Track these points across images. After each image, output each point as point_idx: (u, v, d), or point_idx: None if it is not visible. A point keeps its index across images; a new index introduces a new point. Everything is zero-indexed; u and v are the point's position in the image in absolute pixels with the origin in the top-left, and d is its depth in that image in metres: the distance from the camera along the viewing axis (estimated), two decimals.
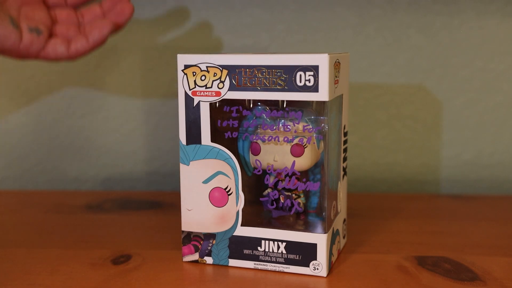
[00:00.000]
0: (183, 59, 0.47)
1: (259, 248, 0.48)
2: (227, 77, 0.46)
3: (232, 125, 0.48)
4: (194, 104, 0.48)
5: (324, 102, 0.46)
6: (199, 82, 0.47)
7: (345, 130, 0.52)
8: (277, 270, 0.48)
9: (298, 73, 0.44)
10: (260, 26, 0.73)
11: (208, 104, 0.47)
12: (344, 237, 0.54)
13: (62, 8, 0.57)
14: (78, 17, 0.57)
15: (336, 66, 0.46)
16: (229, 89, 0.46)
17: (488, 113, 0.73)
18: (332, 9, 0.72)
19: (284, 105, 0.48)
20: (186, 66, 0.47)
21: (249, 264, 0.48)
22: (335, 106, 0.49)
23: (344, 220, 0.54)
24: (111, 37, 0.75)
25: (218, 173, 0.48)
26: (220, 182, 0.48)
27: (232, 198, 0.48)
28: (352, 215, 0.60)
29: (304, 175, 0.49)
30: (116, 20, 0.57)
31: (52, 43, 0.54)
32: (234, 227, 0.48)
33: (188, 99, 0.48)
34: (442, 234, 0.57)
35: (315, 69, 0.44)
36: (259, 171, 0.48)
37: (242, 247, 0.48)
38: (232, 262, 0.49)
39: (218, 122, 0.48)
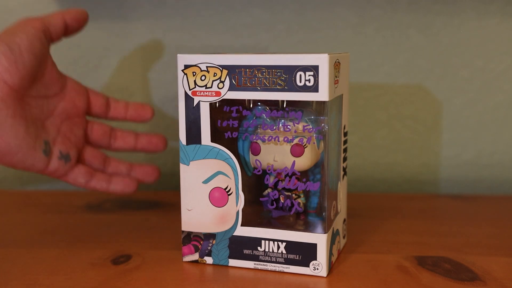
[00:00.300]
0: (183, 59, 0.47)
1: (259, 248, 0.48)
2: (227, 77, 0.46)
3: (232, 125, 0.48)
4: (194, 104, 0.48)
5: (324, 102, 0.46)
6: (199, 82, 0.47)
7: (345, 130, 0.52)
8: (277, 270, 0.48)
9: (298, 73, 0.44)
10: (260, 26, 0.73)
11: (208, 104, 0.47)
12: (344, 237, 0.54)
13: (98, 125, 0.59)
14: (110, 138, 0.60)
15: (336, 66, 0.46)
16: (229, 89, 0.46)
17: (488, 113, 0.73)
18: (332, 9, 0.72)
19: (284, 105, 0.48)
20: (186, 66, 0.47)
21: (249, 264, 0.48)
22: (335, 106, 0.49)
23: (344, 220, 0.54)
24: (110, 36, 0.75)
25: (218, 173, 0.48)
26: (220, 182, 0.48)
27: (232, 198, 0.48)
28: (352, 215, 0.60)
29: (304, 175, 0.49)
30: (141, 179, 0.61)
31: (75, 172, 0.56)
32: (234, 227, 0.48)
33: (188, 99, 0.48)
34: (442, 234, 0.57)
35: (315, 69, 0.44)
36: (259, 171, 0.48)
37: (242, 247, 0.48)
38: (232, 262, 0.49)
39: (218, 122, 0.48)
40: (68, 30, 0.55)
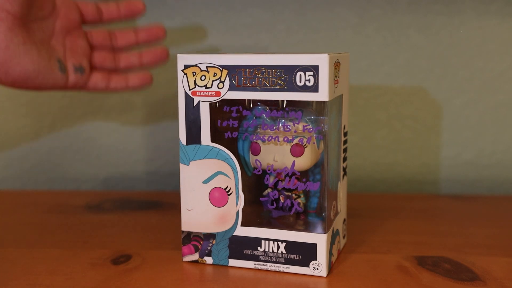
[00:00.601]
0: (183, 59, 0.47)
1: (259, 248, 0.48)
2: (227, 77, 0.46)
3: (232, 125, 0.48)
4: (194, 104, 0.48)
5: (324, 102, 0.46)
6: (199, 82, 0.47)
7: (345, 130, 0.52)
8: (277, 270, 0.48)
9: (298, 73, 0.44)
10: (260, 26, 0.73)
11: (208, 104, 0.47)
12: (344, 237, 0.54)
13: (96, 32, 0.61)
14: (111, 40, 0.62)
15: (336, 66, 0.46)
16: (229, 89, 0.46)
17: (488, 113, 0.73)
18: (332, 9, 0.72)
19: (284, 105, 0.48)
20: (186, 66, 0.47)
21: (249, 264, 0.48)
22: (335, 106, 0.49)
23: (344, 220, 0.54)
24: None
25: (218, 173, 0.48)
26: (220, 182, 0.48)
27: (232, 198, 0.48)
28: (352, 215, 0.60)
29: (304, 175, 0.49)
30: (154, 62, 0.63)
31: (93, 80, 0.59)
32: (234, 227, 0.48)
33: (188, 99, 0.48)
34: (442, 234, 0.57)
35: (315, 69, 0.44)
36: (259, 171, 0.48)
37: (242, 247, 0.48)
38: (232, 262, 0.49)
39: (218, 122, 0.48)
40: None
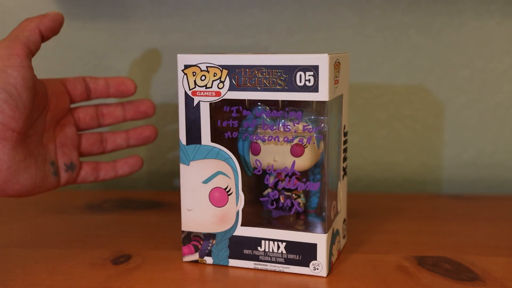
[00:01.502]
0: (183, 59, 0.47)
1: (259, 248, 0.48)
2: (227, 77, 0.46)
3: (232, 125, 0.48)
4: (194, 104, 0.48)
5: (324, 102, 0.46)
6: (199, 82, 0.47)
7: (345, 130, 0.52)
8: (277, 270, 0.48)
9: (298, 73, 0.44)
10: (260, 26, 0.73)
11: (208, 104, 0.47)
12: (344, 237, 0.54)
13: (83, 112, 0.58)
14: (99, 119, 0.59)
15: (336, 66, 0.46)
16: (229, 89, 0.46)
17: (488, 113, 0.73)
18: (332, 9, 0.72)
19: (284, 105, 0.48)
20: (186, 66, 0.47)
21: (249, 264, 0.48)
22: (335, 106, 0.49)
23: (344, 220, 0.54)
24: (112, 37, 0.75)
25: (218, 173, 0.48)
26: (220, 182, 0.48)
27: (232, 198, 0.48)
28: (352, 215, 0.60)
29: (304, 175, 0.49)
30: (141, 143, 0.61)
31: (83, 174, 0.57)
32: (234, 227, 0.48)
33: (188, 99, 0.48)
34: (442, 234, 0.57)
35: (315, 69, 0.44)
36: (259, 171, 0.48)
37: (242, 247, 0.48)
38: (232, 262, 0.49)
39: (218, 122, 0.48)
40: (45, 39, 0.55)
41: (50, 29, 0.54)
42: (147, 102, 0.60)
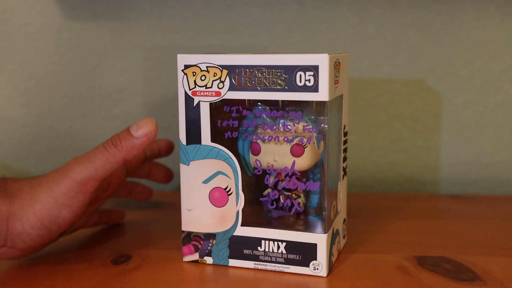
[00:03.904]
0: (183, 59, 0.47)
1: (259, 248, 0.48)
2: (227, 77, 0.46)
3: (232, 125, 0.48)
4: (194, 104, 0.48)
5: (324, 102, 0.46)
6: (199, 82, 0.47)
7: (345, 130, 0.52)
8: (277, 270, 0.48)
9: (298, 73, 0.44)
10: (260, 26, 0.73)
11: (208, 104, 0.47)
12: (344, 237, 0.54)
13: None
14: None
15: (336, 66, 0.46)
16: (229, 89, 0.46)
17: (488, 113, 0.73)
18: (332, 9, 0.72)
19: (284, 105, 0.48)
20: (186, 66, 0.47)
21: (249, 264, 0.48)
22: (335, 106, 0.49)
23: (344, 220, 0.54)
24: (113, 37, 0.75)
25: (218, 173, 0.48)
26: (220, 182, 0.48)
27: (232, 198, 0.48)
28: (352, 215, 0.60)
29: (304, 175, 0.49)
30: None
31: (76, 226, 0.56)
32: (234, 227, 0.48)
33: (188, 99, 0.48)
34: (442, 234, 0.57)
35: (315, 69, 0.44)
36: (259, 171, 0.48)
37: (242, 247, 0.48)
38: (232, 262, 0.49)
39: (218, 122, 0.48)
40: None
41: (136, 156, 0.52)
42: (169, 172, 0.63)
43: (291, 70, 0.45)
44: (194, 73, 0.47)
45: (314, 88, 0.44)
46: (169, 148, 0.62)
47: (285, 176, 0.48)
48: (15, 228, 0.45)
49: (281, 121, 0.48)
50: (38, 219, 0.45)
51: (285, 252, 0.47)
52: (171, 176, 0.64)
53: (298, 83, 0.45)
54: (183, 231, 0.50)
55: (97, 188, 0.48)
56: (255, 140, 0.48)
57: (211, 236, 0.49)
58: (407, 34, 0.72)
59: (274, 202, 0.49)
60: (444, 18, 0.72)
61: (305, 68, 0.44)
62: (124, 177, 0.56)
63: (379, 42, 0.72)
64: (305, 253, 0.47)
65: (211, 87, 0.47)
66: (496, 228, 0.59)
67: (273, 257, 0.48)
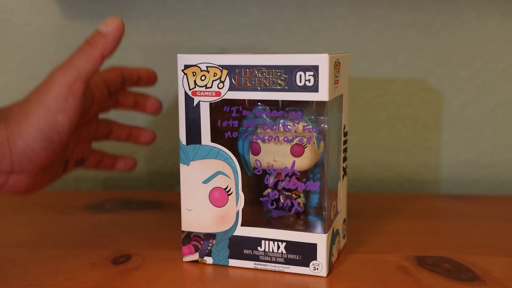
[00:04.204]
0: (183, 59, 0.47)
1: (259, 248, 0.48)
2: (227, 77, 0.46)
3: (232, 125, 0.48)
4: (194, 104, 0.48)
5: (324, 102, 0.46)
6: (199, 82, 0.47)
7: (345, 130, 0.52)
8: (277, 270, 0.48)
9: (298, 73, 0.44)
10: (260, 26, 0.73)
11: (208, 104, 0.47)
12: (344, 237, 0.54)
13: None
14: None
15: (336, 66, 0.46)
16: (229, 89, 0.46)
17: (488, 113, 0.73)
18: (332, 9, 0.72)
19: (284, 105, 0.48)
20: (186, 66, 0.47)
21: (249, 264, 0.48)
22: (335, 106, 0.49)
23: (344, 220, 0.54)
24: None
25: (218, 173, 0.48)
26: (220, 182, 0.48)
27: (232, 198, 0.48)
28: (352, 215, 0.60)
29: (304, 175, 0.49)
30: (140, 142, 0.62)
31: (85, 166, 0.58)
32: (234, 227, 0.48)
33: (188, 99, 0.48)
34: (442, 234, 0.57)
35: (315, 69, 0.44)
36: (259, 171, 0.48)
37: (242, 247, 0.48)
38: (232, 262, 0.49)
39: (218, 122, 0.48)
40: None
41: (113, 50, 0.51)
42: (156, 102, 0.62)
43: (291, 70, 0.45)
44: (194, 73, 0.47)
45: (314, 88, 0.44)
46: (150, 76, 0.60)
47: (285, 176, 0.48)
48: (17, 147, 0.46)
49: (281, 121, 0.48)
50: (37, 130, 0.46)
51: (285, 252, 0.47)
52: (159, 106, 0.62)
53: (298, 83, 0.45)
54: (183, 231, 0.50)
55: (84, 92, 0.48)
56: (255, 140, 0.48)
57: (211, 236, 0.49)
58: (407, 34, 0.72)
59: (274, 202, 0.49)
60: (444, 18, 0.72)
61: (305, 68, 0.44)
62: (105, 93, 0.56)
63: (379, 42, 0.72)
64: (305, 253, 0.47)
65: (211, 87, 0.47)
66: (496, 228, 0.59)
67: (273, 257, 0.48)
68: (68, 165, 0.54)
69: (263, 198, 0.50)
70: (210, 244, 0.49)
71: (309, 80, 0.44)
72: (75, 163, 0.56)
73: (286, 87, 0.45)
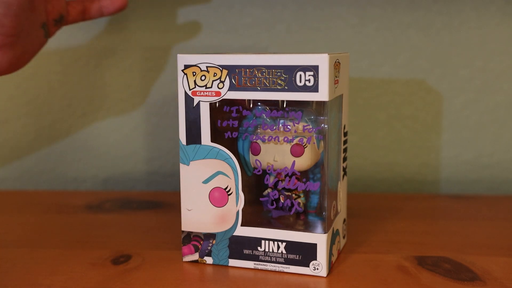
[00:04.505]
0: (183, 59, 0.47)
1: (259, 248, 0.48)
2: (227, 77, 0.46)
3: (232, 125, 0.48)
4: (194, 104, 0.48)
5: (324, 102, 0.46)
6: (199, 82, 0.47)
7: (345, 130, 0.52)
8: (277, 270, 0.48)
9: (298, 73, 0.44)
10: (260, 26, 0.73)
11: (208, 104, 0.47)
12: (344, 237, 0.54)
13: None
14: None
15: (336, 66, 0.46)
16: (229, 89, 0.46)
17: (488, 113, 0.73)
18: (332, 9, 0.72)
19: (284, 105, 0.48)
20: (186, 66, 0.47)
21: (249, 264, 0.48)
22: (335, 106, 0.49)
23: (344, 220, 0.54)
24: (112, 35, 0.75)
25: (218, 173, 0.48)
26: (220, 182, 0.48)
27: (232, 198, 0.48)
28: (352, 215, 0.60)
29: (304, 175, 0.49)
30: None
31: (70, 21, 0.57)
32: (234, 227, 0.48)
33: (188, 99, 0.48)
34: (442, 234, 0.57)
35: (315, 69, 0.44)
36: (259, 171, 0.48)
37: (242, 247, 0.48)
38: (232, 262, 0.49)
39: (218, 122, 0.48)
40: None
41: None
42: None
43: (291, 70, 0.45)
44: (194, 73, 0.47)
45: (314, 88, 0.44)
46: None
47: (285, 176, 0.49)
48: None
49: (281, 121, 0.48)
50: None
51: (285, 252, 0.47)
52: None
53: (298, 83, 0.45)
54: (183, 231, 0.50)
55: None
56: (255, 140, 0.48)
57: (211, 236, 0.49)
58: (407, 34, 0.72)
59: (274, 202, 0.49)
60: (444, 18, 0.72)
61: (305, 68, 0.44)
62: None
63: (379, 42, 0.72)
64: (305, 253, 0.47)
65: (211, 87, 0.47)
66: (496, 228, 0.59)
67: (273, 257, 0.48)
68: (48, 27, 0.53)
69: (263, 198, 0.50)
70: (210, 244, 0.49)
71: (309, 80, 0.44)
72: (55, 23, 0.54)
73: (286, 87, 0.45)
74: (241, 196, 0.48)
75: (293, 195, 0.49)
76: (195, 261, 0.50)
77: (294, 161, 0.47)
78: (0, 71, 0.49)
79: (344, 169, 0.53)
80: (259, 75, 0.45)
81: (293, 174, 0.48)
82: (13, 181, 0.78)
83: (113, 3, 0.59)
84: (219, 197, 0.48)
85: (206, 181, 0.48)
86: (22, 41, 0.49)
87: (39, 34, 0.52)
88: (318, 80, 0.44)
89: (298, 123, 0.47)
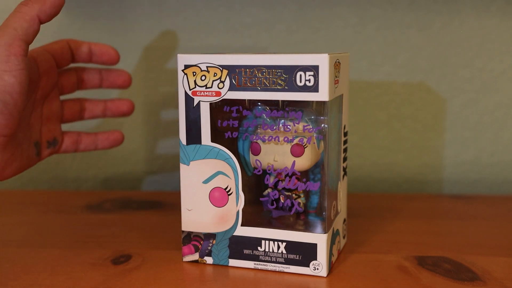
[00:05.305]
0: (183, 59, 0.47)
1: (259, 248, 0.48)
2: (227, 77, 0.46)
3: (232, 125, 0.48)
4: (194, 104, 0.48)
5: (324, 102, 0.46)
6: (199, 82, 0.47)
7: (345, 130, 0.52)
8: (277, 270, 0.48)
9: (298, 73, 0.44)
10: (260, 26, 0.73)
11: (208, 104, 0.47)
12: (344, 237, 0.54)
13: (68, 85, 0.58)
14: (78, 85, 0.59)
15: (336, 66, 0.46)
16: (229, 89, 0.46)
17: (488, 113, 0.73)
18: (332, 9, 0.72)
19: (284, 105, 0.48)
20: (186, 66, 0.47)
21: (249, 264, 0.48)
22: (335, 106, 0.49)
23: (344, 220, 0.54)
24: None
25: (218, 173, 0.48)
26: (220, 182, 0.48)
27: (232, 198, 0.48)
28: (352, 215, 0.60)
29: (304, 175, 0.49)
30: (118, 114, 0.61)
31: (63, 148, 0.57)
32: (234, 227, 0.48)
33: (188, 99, 0.48)
34: (442, 234, 0.57)
35: (315, 69, 0.44)
36: (259, 171, 0.48)
37: (242, 247, 0.48)
38: (232, 262, 0.49)
39: (218, 122, 0.48)
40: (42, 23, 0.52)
41: (51, 16, 0.50)
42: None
43: (291, 70, 0.45)
44: (194, 73, 0.47)
45: (314, 88, 0.44)
46: (107, 52, 0.58)
47: (285, 176, 0.49)
48: None
49: (281, 121, 0.48)
50: None
51: (285, 252, 0.47)
52: (127, 77, 0.60)
53: (298, 83, 0.45)
54: (183, 231, 0.50)
55: (25, 51, 0.47)
56: (255, 140, 0.48)
57: (211, 236, 0.49)
58: (407, 34, 0.72)
59: (274, 202, 0.49)
60: (444, 18, 0.72)
61: (305, 68, 0.44)
62: (52, 63, 0.54)
63: (379, 42, 0.72)
64: (305, 253, 0.47)
65: (211, 87, 0.47)
66: (496, 228, 0.59)
67: (273, 257, 0.48)
68: (40, 147, 0.53)
69: (263, 198, 0.50)
70: (210, 244, 0.49)
71: (309, 80, 0.44)
72: (48, 145, 0.54)
73: (286, 87, 0.45)
74: (241, 196, 0.48)
75: (293, 195, 0.49)
76: (195, 261, 0.50)
77: (294, 161, 0.47)
78: None
79: (344, 169, 0.53)
80: (259, 75, 0.45)
81: (293, 174, 0.48)
82: (13, 181, 0.78)
83: (109, 139, 0.60)
84: (219, 197, 0.48)
85: (206, 181, 0.48)
86: (12, 146, 0.49)
87: (31, 150, 0.52)
88: (318, 80, 0.44)
89: (298, 123, 0.47)
